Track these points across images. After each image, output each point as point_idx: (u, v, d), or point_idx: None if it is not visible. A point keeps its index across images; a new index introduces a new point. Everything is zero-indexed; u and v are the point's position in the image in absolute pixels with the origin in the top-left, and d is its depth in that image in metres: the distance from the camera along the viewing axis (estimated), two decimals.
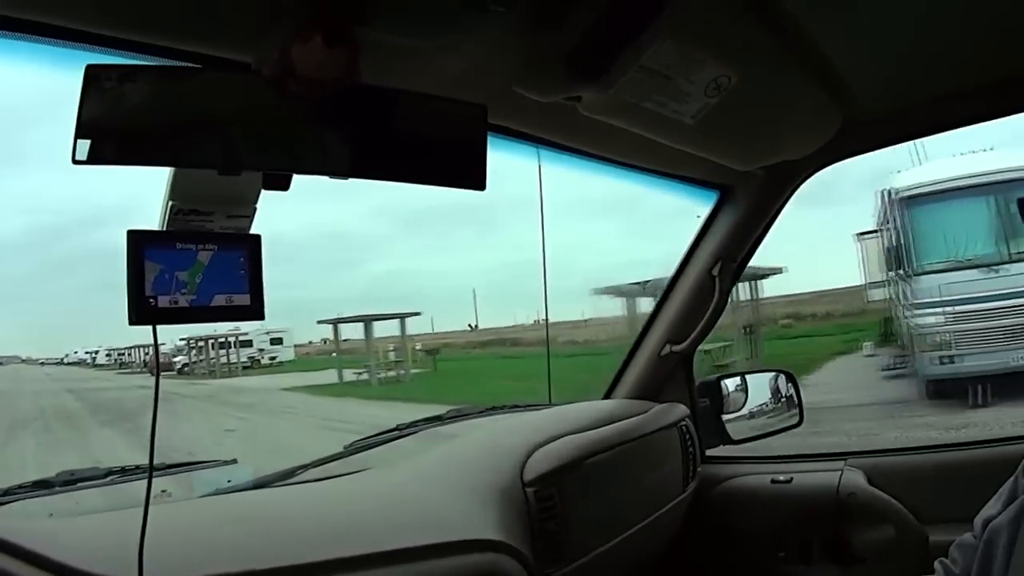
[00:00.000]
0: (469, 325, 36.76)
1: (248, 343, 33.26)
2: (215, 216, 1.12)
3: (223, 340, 31.81)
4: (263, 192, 1.12)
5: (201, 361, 32.69)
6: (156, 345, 1.05)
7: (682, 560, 2.15)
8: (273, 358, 34.05)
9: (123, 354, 35.84)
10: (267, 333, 33.36)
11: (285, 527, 1.29)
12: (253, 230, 1.14)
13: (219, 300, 1.02)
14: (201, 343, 32.33)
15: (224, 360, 32.72)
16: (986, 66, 1.59)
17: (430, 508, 1.45)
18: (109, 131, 0.93)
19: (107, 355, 38.77)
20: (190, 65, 1.08)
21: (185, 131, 0.98)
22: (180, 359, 32.74)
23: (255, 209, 1.14)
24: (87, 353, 40.38)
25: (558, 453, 1.62)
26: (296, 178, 1.08)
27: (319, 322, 29.21)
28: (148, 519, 1.01)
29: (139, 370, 34.51)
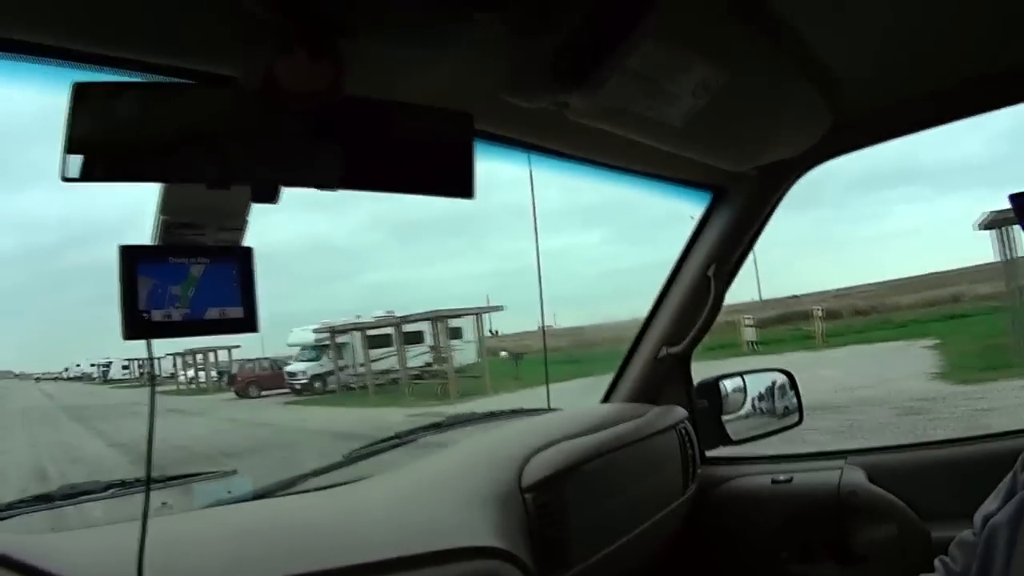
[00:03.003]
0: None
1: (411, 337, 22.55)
2: (207, 229, 1.12)
3: (374, 333, 22.37)
4: (254, 205, 1.13)
5: (343, 369, 23.09)
6: (151, 359, 1.05)
7: (684, 562, 2.15)
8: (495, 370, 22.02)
9: (144, 364, 26.22)
10: (434, 319, 23.03)
11: (284, 537, 1.29)
12: (245, 242, 1.15)
13: (212, 313, 1.02)
14: (343, 336, 22.85)
15: (377, 365, 22.59)
16: (976, 60, 1.59)
17: (429, 516, 1.45)
18: (98, 148, 0.93)
19: (124, 367, 31.36)
20: (177, 81, 1.09)
21: (174, 146, 0.98)
22: (302, 368, 23.36)
23: (247, 222, 1.15)
24: (93, 366, 34.09)
25: (555, 459, 1.63)
26: (288, 191, 1.09)
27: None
28: (148, 532, 1.01)
29: (189, 386, 25.83)
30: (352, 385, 23.25)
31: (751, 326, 21.76)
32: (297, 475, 1.67)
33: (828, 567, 2.06)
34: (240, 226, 1.14)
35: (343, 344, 23.61)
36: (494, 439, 1.85)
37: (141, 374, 28.60)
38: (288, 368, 24.17)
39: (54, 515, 1.46)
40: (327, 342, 24.02)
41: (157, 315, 0.99)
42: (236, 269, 1.06)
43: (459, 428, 2.06)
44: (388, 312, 23.30)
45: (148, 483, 1.08)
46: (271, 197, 1.07)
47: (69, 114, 0.91)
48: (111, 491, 1.52)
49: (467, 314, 23.10)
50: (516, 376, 18.79)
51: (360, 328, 23.35)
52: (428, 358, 23.89)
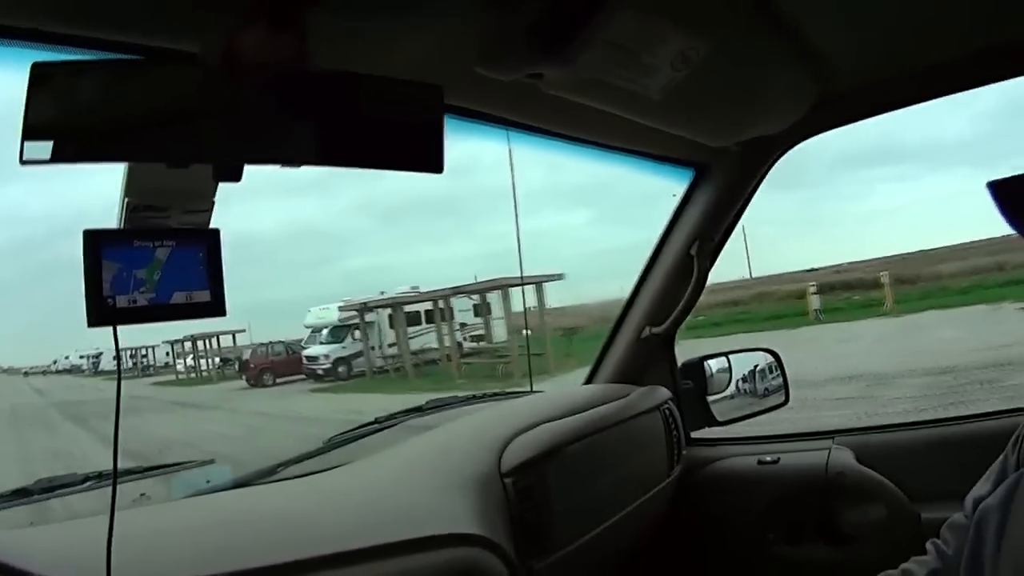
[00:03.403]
0: None
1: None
2: (172, 212, 1.11)
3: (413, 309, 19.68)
4: (230, 187, 1.10)
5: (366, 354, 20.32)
6: (117, 346, 1.02)
7: (670, 544, 2.14)
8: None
9: (136, 354, 26.38)
10: (488, 290, 19.91)
11: (263, 527, 1.28)
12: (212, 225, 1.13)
13: (178, 297, 1.01)
14: (369, 314, 20.15)
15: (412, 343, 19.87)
16: (963, 36, 1.58)
17: (408, 503, 1.43)
18: (58, 129, 0.91)
19: (115, 358, 30.68)
20: (138, 58, 1.06)
21: (135, 126, 0.96)
22: (323, 351, 20.89)
23: (213, 203, 1.13)
24: (83, 357, 31.34)
25: (536, 441, 1.60)
26: (271, 176, 1.07)
27: None
28: (126, 524, 1.00)
29: (189, 375, 23.73)
30: (385, 368, 20.62)
31: (816, 294, 20.63)
32: (276, 463, 1.65)
33: (816, 548, 2.05)
34: (207, 208, 1.13)
35: (369, 323, 20.92)
36: (474, 423, 1.82)
37: (135, 364, 26.84)
38: (307, 352, 21.48)
39: (32, 510, 1.43)
40: (352, 322, 21.32)
41: (122, 300, 0.97)
42: (203, 252, 1.04)
43: (439, 412, 2.04)
44: (413, 288, 20.94)
45: (115, 475, 1.06)
46: (234, 176, 1.04)
47: (29, 95, 0.88)
48: (88, 483, 1.50)
49: (529, 283, 18.20)
50: (569, 353, 15.84)
51: (395, 303, 20.73)
52: (459, 336, 21.33)
